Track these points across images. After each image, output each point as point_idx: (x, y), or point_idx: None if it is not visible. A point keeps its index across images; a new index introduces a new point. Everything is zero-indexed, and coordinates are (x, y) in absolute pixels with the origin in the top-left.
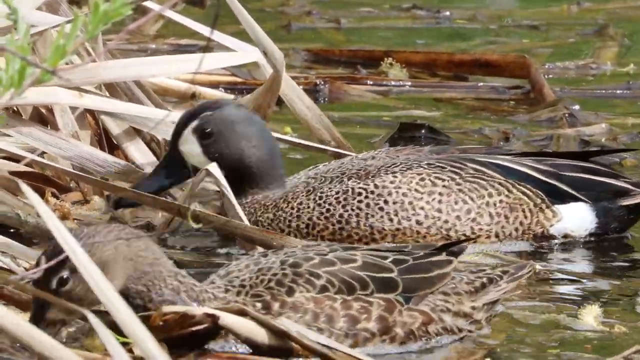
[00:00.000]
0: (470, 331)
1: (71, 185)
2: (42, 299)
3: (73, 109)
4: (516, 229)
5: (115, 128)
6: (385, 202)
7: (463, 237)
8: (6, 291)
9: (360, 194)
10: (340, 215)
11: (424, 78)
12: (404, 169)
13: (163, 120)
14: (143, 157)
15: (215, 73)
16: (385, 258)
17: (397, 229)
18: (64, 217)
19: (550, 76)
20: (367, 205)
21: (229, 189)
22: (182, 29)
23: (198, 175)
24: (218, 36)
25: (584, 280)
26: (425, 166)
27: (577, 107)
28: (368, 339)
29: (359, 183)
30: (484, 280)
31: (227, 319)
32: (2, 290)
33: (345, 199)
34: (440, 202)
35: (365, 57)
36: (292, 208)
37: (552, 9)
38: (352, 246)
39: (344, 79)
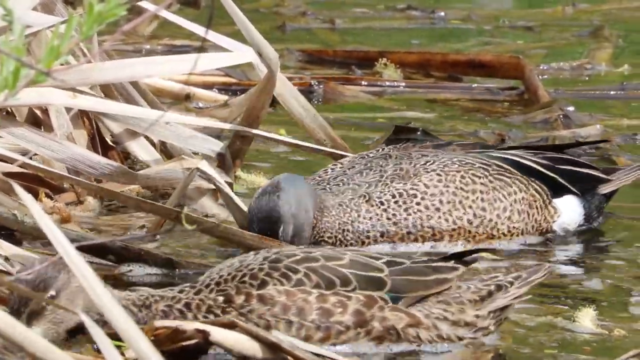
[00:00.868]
0: (474, 339)
1: (65, 186)
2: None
3: (68, 109)
4: (532, 227)
5: (115, 127)
6: (440, 201)
7: (502, 235)
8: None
9: (415, 195)
10: (406, 219)
11: (419, 79)
12: (441, 166)
13: (157, 121)
14: (146, 154)
15: (209, 74)
16: (378, 259)
17: (453, 229)
18: (64, 220)
19: (545, 77)
20: (426, 207)
21: (223, 183)
22: (176, 30)
23: (188, 175)
24: (213, 36)
25: (578, 281)
26: (458, 163)
27: (571, 108)
28: (342, 332)
29: (405, 184)
30: (492, 287)
31: (218, 335)
32: None
33: (404, 202)
34: (482, 200)
35: (359, 57)
36: (362, 217)
37: (547, 10)
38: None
39: (339, 79)
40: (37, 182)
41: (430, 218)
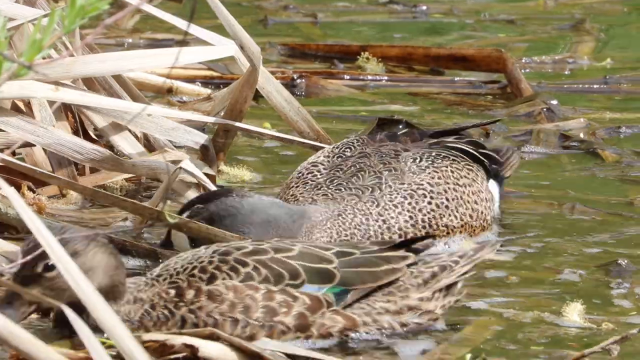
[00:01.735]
0: (419, 324)
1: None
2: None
3: (51, 103)
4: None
5: (98, 120)
6: (447, 199)
7: (488, 226)
8: None
9: (425, 195)
10: (423, 221)
11: (401, 72)
12: (430, 161)
13: (140, 113)
14: (130, 146)
15: (192, 67)
16: (328, 250)
17: (462, 225)
18: (39, 210)
19: (527, 70)
20: (437, 205)
21: (206, 179)
22: (159, 24)
23: (172, 173)
24: (195, 30)
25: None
26: (441, 159)
27: (555, 102)
28: (284, 332)
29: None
30: (436, 269)
31: (206, 349)
32: None
33: (417, 203)
34: (472, 193)
35: (342, 51)
36: (372, 220)
37: (528, 3)
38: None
39: (321, 73)
40: (20, 175)
41: (443, 216)
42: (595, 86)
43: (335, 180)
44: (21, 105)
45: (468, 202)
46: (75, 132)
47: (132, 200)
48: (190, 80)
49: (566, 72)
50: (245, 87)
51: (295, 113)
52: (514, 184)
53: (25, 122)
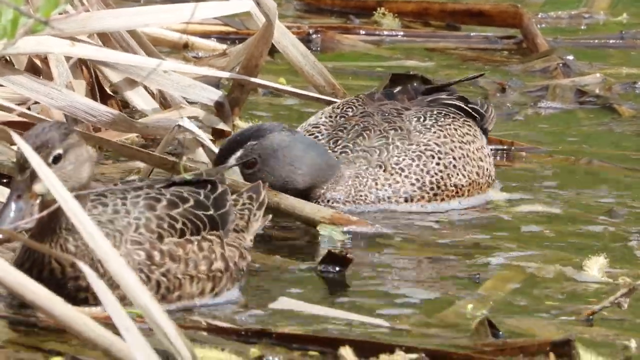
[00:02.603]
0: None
1: None
2: None
3: (67, 59)
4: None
5: (114, 76)
6: (454, 158)
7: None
8: None
9: (433, 156)
10: (431, 182)
11: (417, 28)
12: (433, 120)
13: (155, 69)
14: (145, 103)
15: (207, 23)
16: (198, 194)
17: (470, 184)
18: None
19: (543, 26)
20: (445, 166)
21: (205, 137)
22: None
23: (170, 131)
24: None
25: (581, 225)
26: (443, 117)
27: (571, 57)
28: (219, 278)
29: (418, 144)
30: (248, 214)
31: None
32: None
33: (425, 164)
34: (477, 150)
35: (357, 6)
36: (379, 184)
37: None
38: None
39: (337, 28)
40: None
41: (451, 176)
42: (611, 41)
43: (340, 142)
44: (38, 62)
45: (474, 159)
46: (92, 88)
47: (147, 151)
48: (206, 35)
49: (582, 27)
50: (261, 42)
51: (312, 67)
52: (530, 139)
53: (39, 84)
